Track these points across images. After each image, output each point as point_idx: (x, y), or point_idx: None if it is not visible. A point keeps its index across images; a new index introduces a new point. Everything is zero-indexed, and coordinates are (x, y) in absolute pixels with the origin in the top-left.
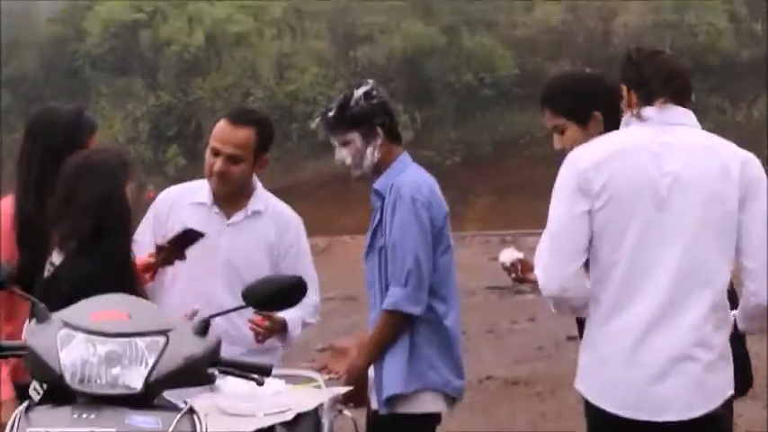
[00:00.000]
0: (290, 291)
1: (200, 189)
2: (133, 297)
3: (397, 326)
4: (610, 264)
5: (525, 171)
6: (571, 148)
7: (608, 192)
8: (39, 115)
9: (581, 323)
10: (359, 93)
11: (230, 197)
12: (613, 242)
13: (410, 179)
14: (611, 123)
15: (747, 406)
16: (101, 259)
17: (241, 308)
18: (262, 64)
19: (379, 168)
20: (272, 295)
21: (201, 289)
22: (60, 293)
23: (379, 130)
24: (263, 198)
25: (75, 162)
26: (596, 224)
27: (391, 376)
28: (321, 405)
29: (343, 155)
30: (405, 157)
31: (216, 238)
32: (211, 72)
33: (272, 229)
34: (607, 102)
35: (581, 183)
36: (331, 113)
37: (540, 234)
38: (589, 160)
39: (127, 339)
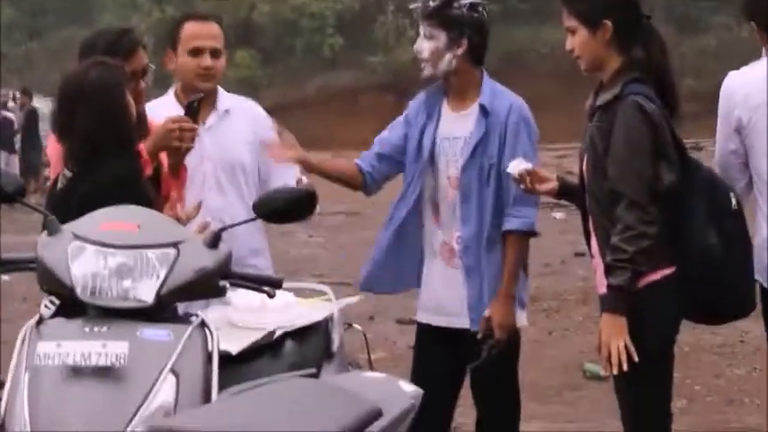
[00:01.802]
0: (302, 202)
1: (165, 106)
2: (145, 208)
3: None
4: None
5: (530, 86)
6: (579, 52)
7: None
8: (85, 37)
9: (589, 238)
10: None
11: (203, 99)
12: None
13: (519, 100)
14: (624, 35)
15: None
16: (101, 179)
17: (252, 220)
18: None
19: (450, 79)
20: (284, 207)
21: (195, 196)
22: (70, 207)
23: (466, 42)
24: (225, 96)
25: (67, 84)
26: None
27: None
28: (331, 318)
29: (423, 47)
30: (488, 78)
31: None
32: None
33: (244, 125)
34: (622, 13)
35: None
36: (432, 2)
37: (545, 149)
38: None
39: (137, 251)
